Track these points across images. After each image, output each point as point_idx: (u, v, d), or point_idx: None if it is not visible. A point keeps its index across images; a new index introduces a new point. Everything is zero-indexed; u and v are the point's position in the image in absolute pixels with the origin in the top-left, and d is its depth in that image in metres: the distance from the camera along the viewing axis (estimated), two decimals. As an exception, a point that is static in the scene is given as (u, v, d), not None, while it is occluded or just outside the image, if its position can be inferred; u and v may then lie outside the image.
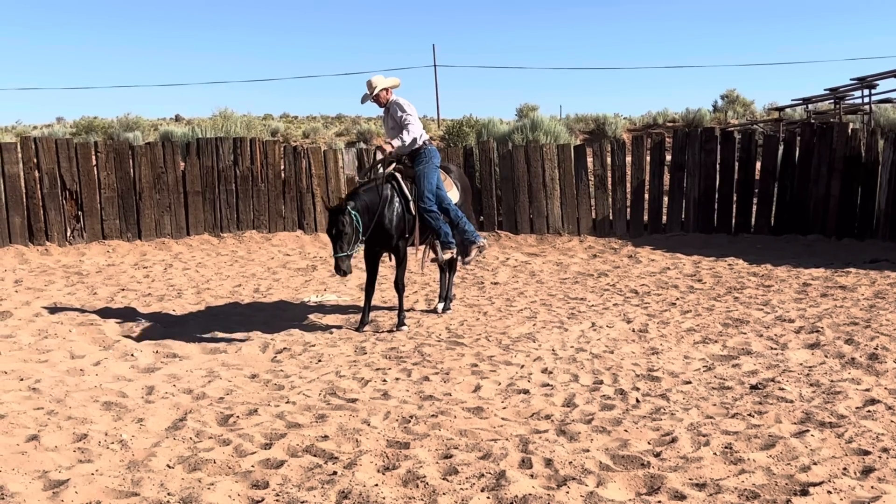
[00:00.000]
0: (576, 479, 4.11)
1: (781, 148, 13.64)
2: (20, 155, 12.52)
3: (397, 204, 7.71)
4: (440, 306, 8.58)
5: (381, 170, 7.89)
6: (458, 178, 8.64)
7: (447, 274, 8.70)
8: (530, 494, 3.96)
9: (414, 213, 7.81)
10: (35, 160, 12.55)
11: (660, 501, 3.89)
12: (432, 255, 8.25)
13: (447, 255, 8.10)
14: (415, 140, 7.91)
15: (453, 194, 8.34)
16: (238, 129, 18.75)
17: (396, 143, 7.78)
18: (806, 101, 22.63)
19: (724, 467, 4.28)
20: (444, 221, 7.97)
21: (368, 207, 7.50)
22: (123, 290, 9.70)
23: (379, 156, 7.95)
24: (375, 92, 7.90)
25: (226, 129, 18.40)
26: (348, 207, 7.34)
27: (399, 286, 7.92)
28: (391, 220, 7.64)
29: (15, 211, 12.38)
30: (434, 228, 7.90)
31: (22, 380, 5.99)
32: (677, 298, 9.03)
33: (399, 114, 7.92)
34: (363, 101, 7.97)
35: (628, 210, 13.76)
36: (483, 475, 4.19)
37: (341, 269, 7.27)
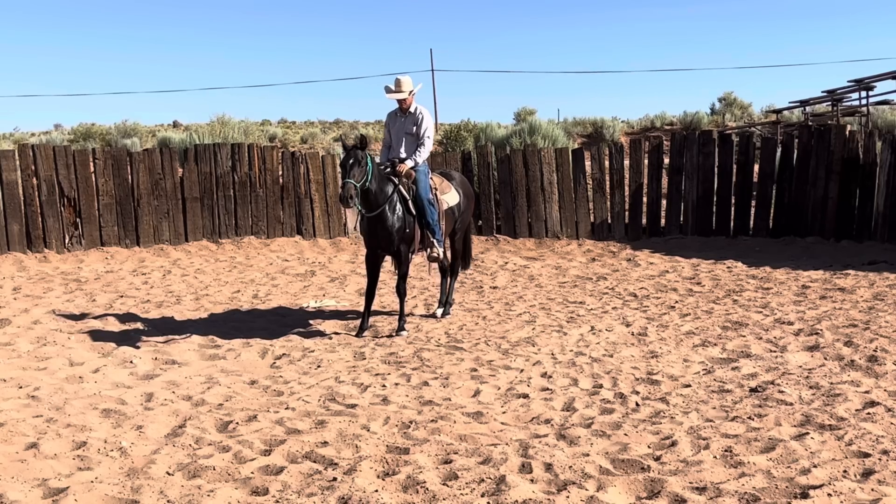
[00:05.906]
0: (576, 484, 4.11)
1: (779, 150, 13.66)
2: (18, 162, 12.51)
3: (399, 206, 7.71)
4: (439, 311, 8.57)
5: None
6: (460, 185, 8.62)
7: (448, 279, 8.69)
8: (530, 499, 3.96)
9: (413, 213, 7.81)
10: (33, 167, 12.55)
11: (660, 505, 3.90)
12: (434, 254, 8.13)
13: (435, 253, 8.05)
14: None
15: (454, 200, 8.35)
16: (236, 135, 18.74)
17: (410, 163, 7.80)
18: (803, 103, 22.68)
19: (724, 471, 4.28)
20: (437, 221, 7.98)
21: (381, 186, 7.54)
22: (122, 296, 9.69)
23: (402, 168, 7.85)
24: (407, 95, 7.89)
25: (224, 135, 18.39)
26: (367, 151, 7.46)
27: (401, 291, 7.91)
28: (393, 222, 7.64)
29: (13, 218, 12.37)
30: (429, 221, 7.88)
31: (21, 387, 5.98)
32: (676, 302, 9.03)
33: (423, 126, 7.93)
34: (388, 92, 7.92)
35: (626, 213, 13.76)
36: (483, 480, 4.19)
37: (345, 198, 7.19)
